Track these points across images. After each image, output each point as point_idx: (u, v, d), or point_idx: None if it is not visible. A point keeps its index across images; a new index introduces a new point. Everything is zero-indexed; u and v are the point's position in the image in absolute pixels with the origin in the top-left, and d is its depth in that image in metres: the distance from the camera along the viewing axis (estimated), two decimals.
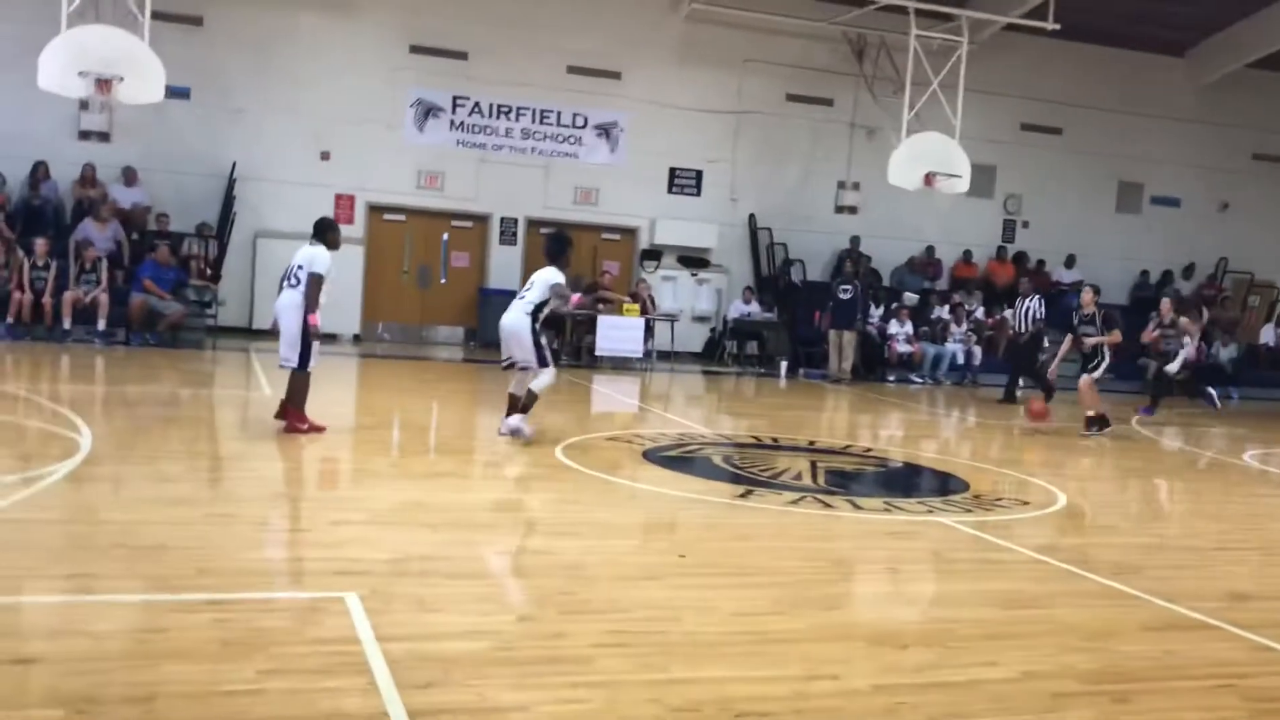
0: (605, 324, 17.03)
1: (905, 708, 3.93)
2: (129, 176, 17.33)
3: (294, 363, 8.80)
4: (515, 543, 6.32)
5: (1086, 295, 12.50)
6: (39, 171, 16.75)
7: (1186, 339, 13.69)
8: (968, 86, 18.31)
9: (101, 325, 15.21)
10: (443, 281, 19.65)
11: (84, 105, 16.28)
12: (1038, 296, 16.13)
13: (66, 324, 15.05)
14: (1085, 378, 12.12)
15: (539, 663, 4.17)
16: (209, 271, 16.96)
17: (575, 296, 9.56)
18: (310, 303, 8.75)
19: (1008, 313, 18.04)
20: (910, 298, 19.90)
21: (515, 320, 9.04)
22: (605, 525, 6.67)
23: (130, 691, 3.66)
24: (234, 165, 17.62)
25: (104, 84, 14.16)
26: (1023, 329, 15.94)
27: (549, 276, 9.11)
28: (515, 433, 8.96)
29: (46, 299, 15.00)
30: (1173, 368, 13.39)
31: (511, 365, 9.18)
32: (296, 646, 4.15)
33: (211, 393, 12.34)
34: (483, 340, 19.29)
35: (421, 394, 13.37)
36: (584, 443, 9.49)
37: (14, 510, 5.84)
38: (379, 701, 3.70)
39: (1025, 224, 22.50)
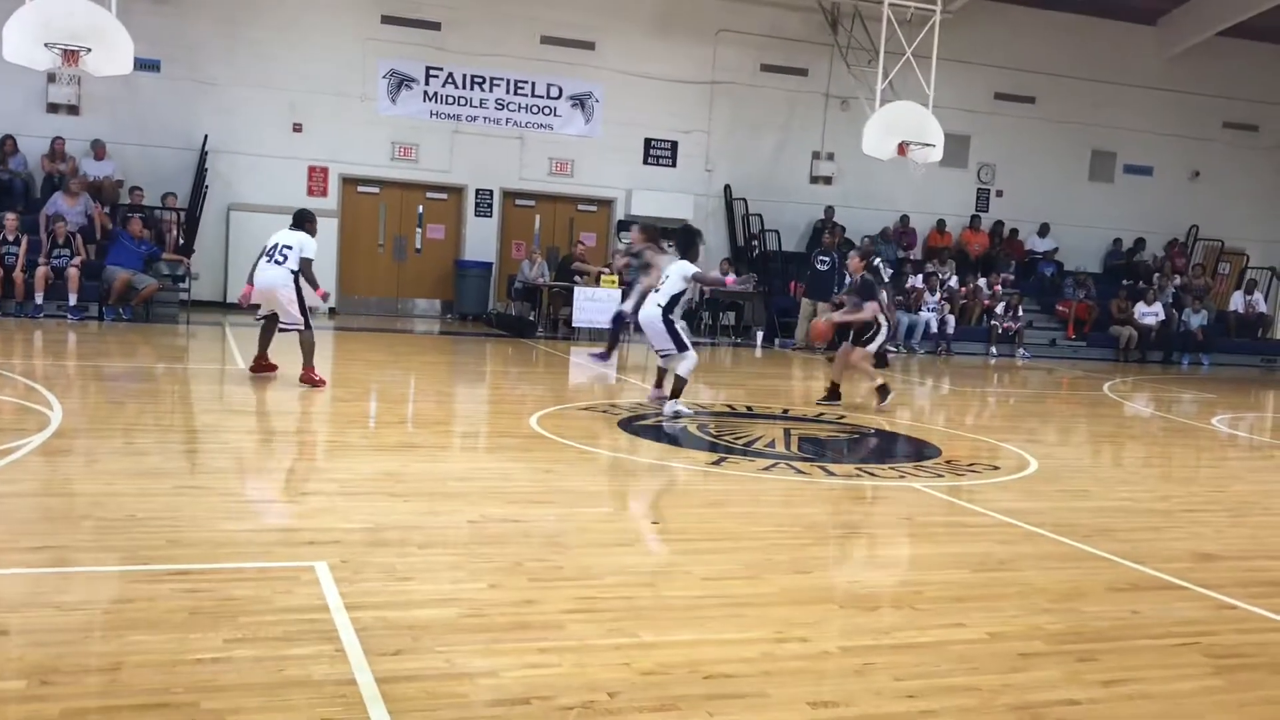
0: (582, 295, 17.00)
1: (873, 668, 3.97)
2: (98, 150, 17.14)
3: (300, 324, 10.19)
4: (488, 511, 6.32)
5: (853, 261, 11.45)
6: (6, 145, 16.57)
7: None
8: (941, 56, 18.30)
9: (73, 300, 15.08)
10: (417, 253, 19.58)
11: (52, 78, 16.10)
12: None
13: (39, 299, 14.91)
14: (857, 350, 11.11)
15: (508, 629, 4.18)
16: (182, 243, 16.82)
17: (729, 278, 11.17)
18: (313, 281, 10.29)
19: (981, 281, 18.03)
20: (885, 270, 19.92)
21: (650, 314, 9.81)
22: (579, 493, 6.68)
23: (95, 662, 3.65)
24: (205, 138, 17.46)
25: (71, 56, 13.97)
26: None
27: (683, 269, 9.81)
28: (676, 415, 9.48)
29: (18, 274, 14.85)
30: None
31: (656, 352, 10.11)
32: (265, 615, 4.14)
33: (185, 367, 12.27)
34: (459, 312, 19.26)
35: (397, 366, 13.33)
36: (559, 413, 9.49)
37: None
38: (347, 668, 3.70)
39: (999, 193, 22.57)
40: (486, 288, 19.49)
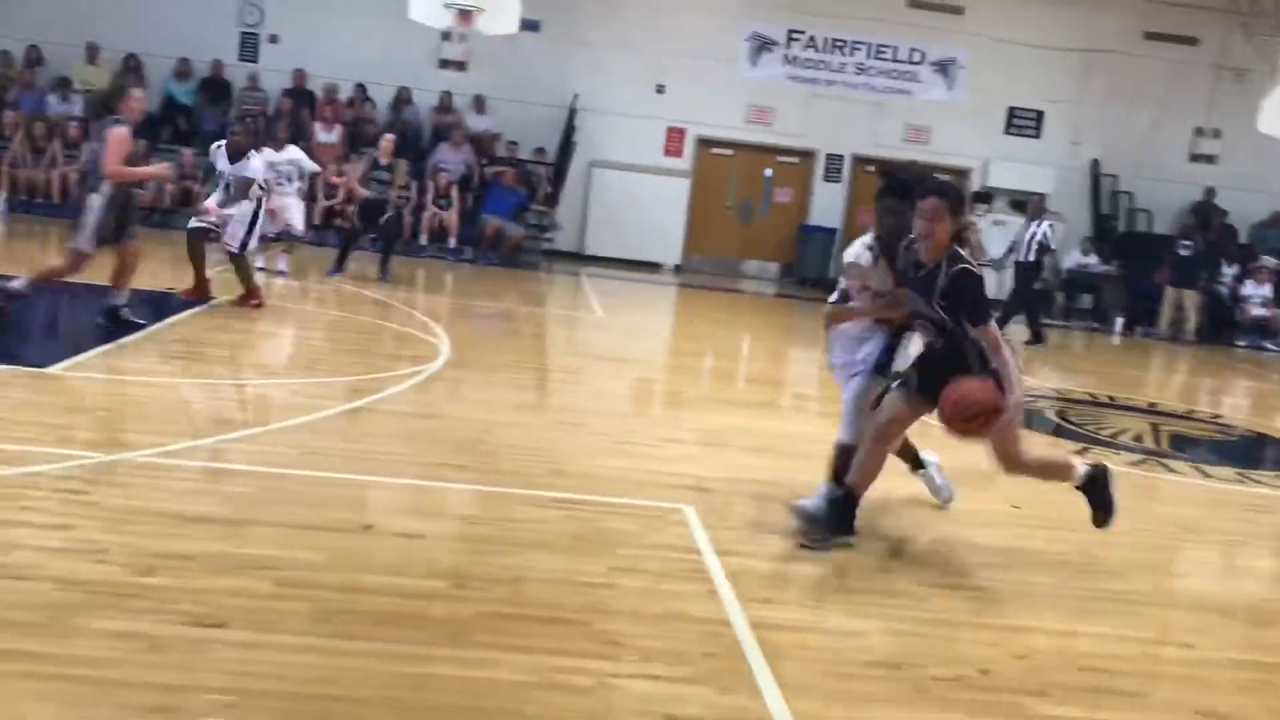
0: None
1: (1269, 686, 3.71)
2: (479, 104, 18.43)
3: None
4: None
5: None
6: (403, 96, 18.13)
7: None
8: None
9: (452, 244, 16.38)
10: (763, 216, 19.78)
11: (445, 36, 17.39)
12: (1048, 221, 14.62)
13: (423, 240, 16.31)
14: None
15: (873, 594, 4.22)
16: (548, 195, 17.84)
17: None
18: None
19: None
20: (1270, 260, 18.13)
21: None
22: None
23: (499, 573, 4.02)
24: (575, 96, 18.35)
25: (465, 15, 15.07)
26: (1029, 257, 14.34)
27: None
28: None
29: (407, 217, 16.29)
30: None
31: None
32: (642, 549, 4.40)
33: (546, 311, 13.06)
34: (799, 276, 19.30)
35: (741, 325, 13.58)
36: None
37: (388, 403, 6.47)
38: (720, 608, 3.88)
39: None
40: (829, 253, 19.41)
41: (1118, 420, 8.78)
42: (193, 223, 9.47)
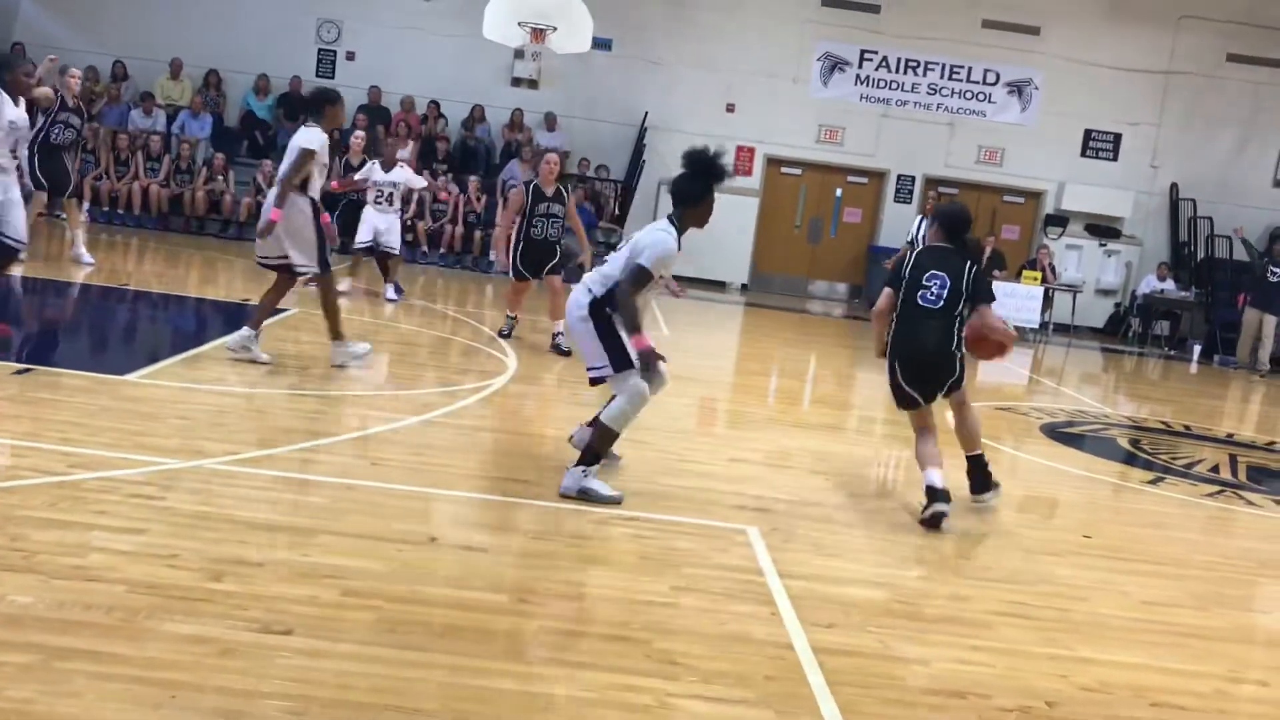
0: (1000, 290, 16.35)
1: None
2: (550, 122, 18.58)
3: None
4: (908, 501, 6.29)
5: None
6: (475, 114, 18.34)
7: None
8: None
9: None
10: (832, 236, 19.68)
11: (518, 54, 17.59)
12: None
13: (492, 256, 16.44)
14: None
15: (938, 620, 4.16)
16: (616, 214, 17.92)
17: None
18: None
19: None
20: None
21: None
22: (1003, 496, 6.47)
23: (562, 588, 4.03)
24: (645, 115, 18.43)
25: (538, 34, 15.23)
26: None
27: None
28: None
29: (477, 232, 16.47)
30: None
31: None
32: (705, 569, 4.38)
33: None
34: (868, 297, 19.14)
35: (808, 346, 13.50)
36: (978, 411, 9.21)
37: (455, 417, 6.52)
38: (783, 632, 3.84)
39: None
40: None
41: (1194, 450, 8.57)
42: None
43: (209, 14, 17.83)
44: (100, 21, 17.75)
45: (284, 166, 7.01)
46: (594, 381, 5.21)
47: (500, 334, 9.71)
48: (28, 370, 6.24)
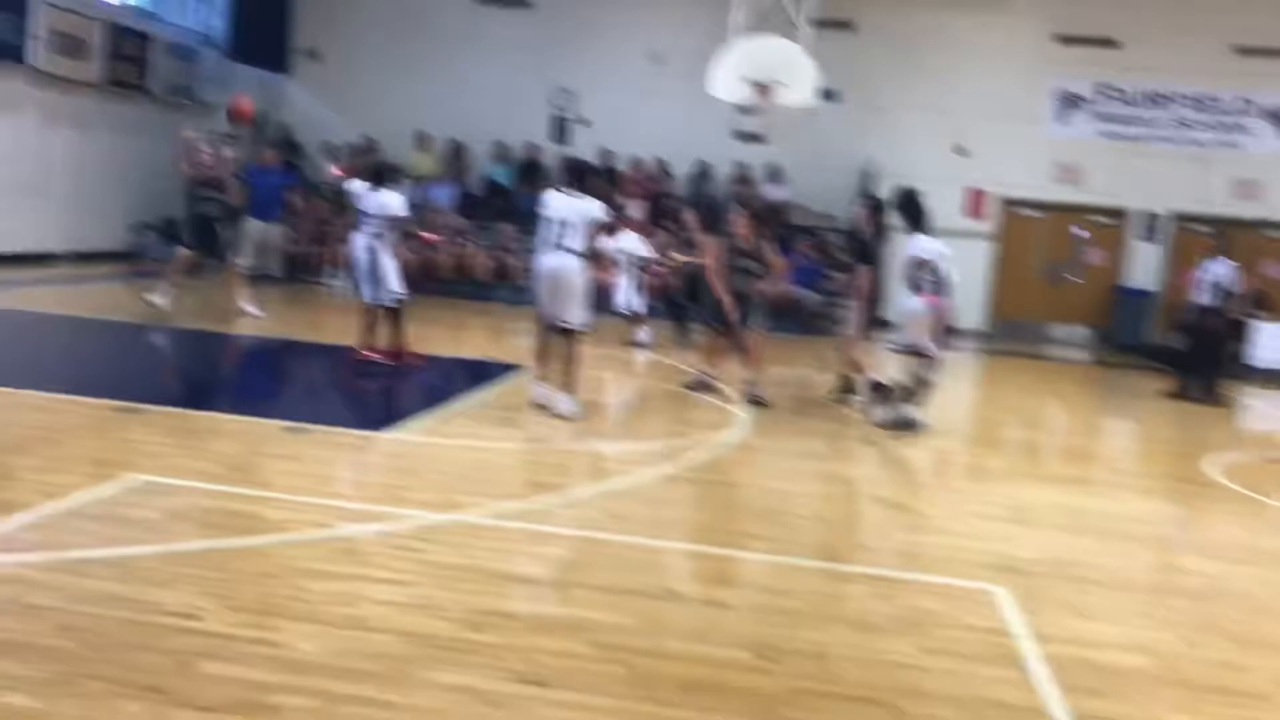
0: (1267, 332, 15.24)
1: None
2: (775, 174, 18.69)
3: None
4: (1167, 559, 5.95)
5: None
6: (702, 170, 18.66)
7: None
8: None
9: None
10: (1078, 281, 18.88)
11: (742, 109, 17.81)
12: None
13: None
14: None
15: (1211, 690, 3.90)
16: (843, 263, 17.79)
17: None
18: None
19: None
20: None
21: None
22: (1276, 555, 6.03)
23: (804, 646, 4.01)
24: (867, 160, 18.27)
25: (763, 89, 15.39)
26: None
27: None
28: None
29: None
30: None
31: None
32: (952, 630, 4.27)
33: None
34: (1115, 342, 18.23)
35: (1052, 394, 12.94)
36: (1241, 462, 8.61)
37: (690, 470, 6.61)
38: (1037, 699, 3.70)
39: None
40: (1145, 317, 18.23)
41: None
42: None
43: (445, 86, 18.95)
44: (349, 100, 19.17)
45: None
46: None
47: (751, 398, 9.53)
48: (300, 430, 6.73)
